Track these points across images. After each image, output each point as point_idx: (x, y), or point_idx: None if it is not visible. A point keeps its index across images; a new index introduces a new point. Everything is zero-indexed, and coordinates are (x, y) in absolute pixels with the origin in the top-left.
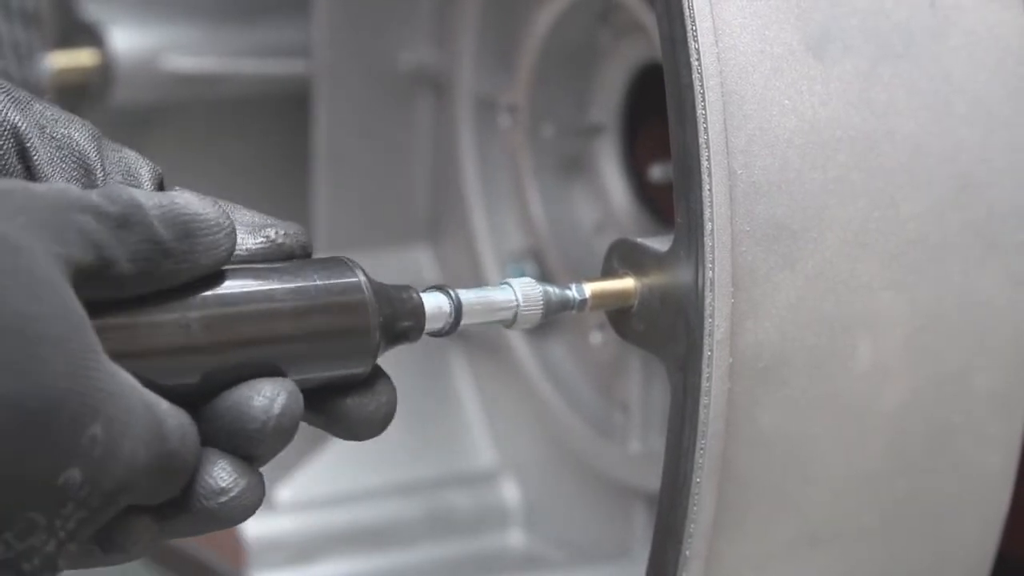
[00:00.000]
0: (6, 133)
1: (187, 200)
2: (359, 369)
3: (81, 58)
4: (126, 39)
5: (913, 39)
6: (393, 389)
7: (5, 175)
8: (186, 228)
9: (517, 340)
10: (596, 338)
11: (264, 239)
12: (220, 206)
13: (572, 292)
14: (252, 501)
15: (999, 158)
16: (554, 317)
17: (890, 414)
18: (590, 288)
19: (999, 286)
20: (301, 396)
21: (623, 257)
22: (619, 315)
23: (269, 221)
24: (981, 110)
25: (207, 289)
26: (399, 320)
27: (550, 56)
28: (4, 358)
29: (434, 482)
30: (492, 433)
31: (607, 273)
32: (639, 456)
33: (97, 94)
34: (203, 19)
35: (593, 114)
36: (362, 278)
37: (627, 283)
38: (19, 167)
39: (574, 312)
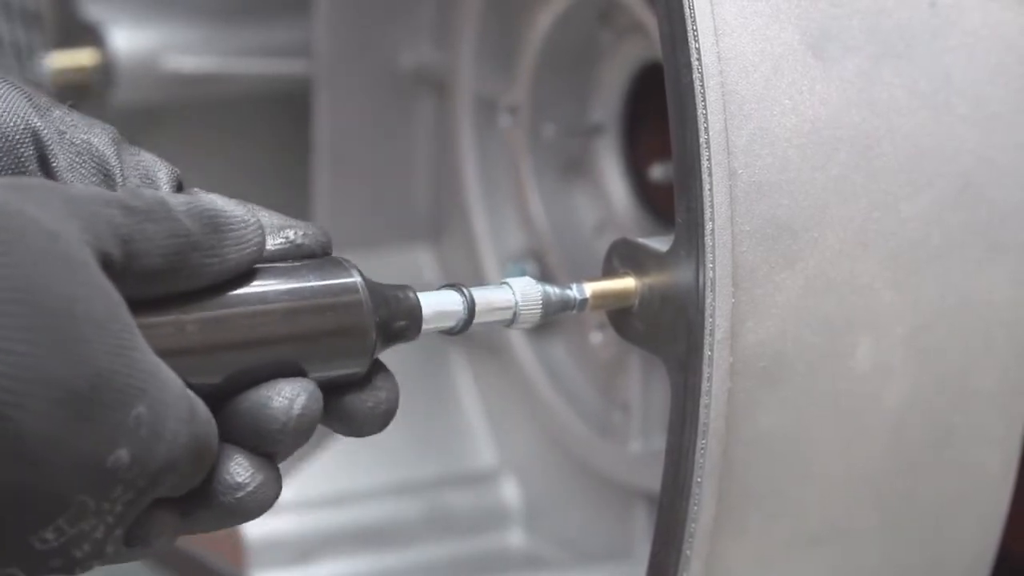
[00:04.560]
0: (27, 139)
1: (211, 198)
2: (356, 369)
3: (81, 58)
4: (127, 39)
5: (913, 39)
6: (394, 386)
7: None
8: (213, 223)
9: (517, 340)
10: (596, 338)
11: (284, 240)
12: (245, 205)
13: (573, 292)
14: (268, 496)
15: (1000, 158)
16: (555, 317)
17: (890, 414)
18: (590, 288)
19: (999, 286)
20: (320, 396)
21: (623, 257)
22: (620, 315)
23: (289, 222)
24: (981, 110)
25: (224, 290)
26: (395, 319)
27: (551, 56)
28: (50, 339)
29: (434, 482)
30: (492, 433)
31: (608, 273)
32: (639, 456)
33: (98, 94)
34: (204, 19)
35: (593, 114)
36: (357, 278)
37: (628, 283)
38: (39, 173)
39: (575, 312)
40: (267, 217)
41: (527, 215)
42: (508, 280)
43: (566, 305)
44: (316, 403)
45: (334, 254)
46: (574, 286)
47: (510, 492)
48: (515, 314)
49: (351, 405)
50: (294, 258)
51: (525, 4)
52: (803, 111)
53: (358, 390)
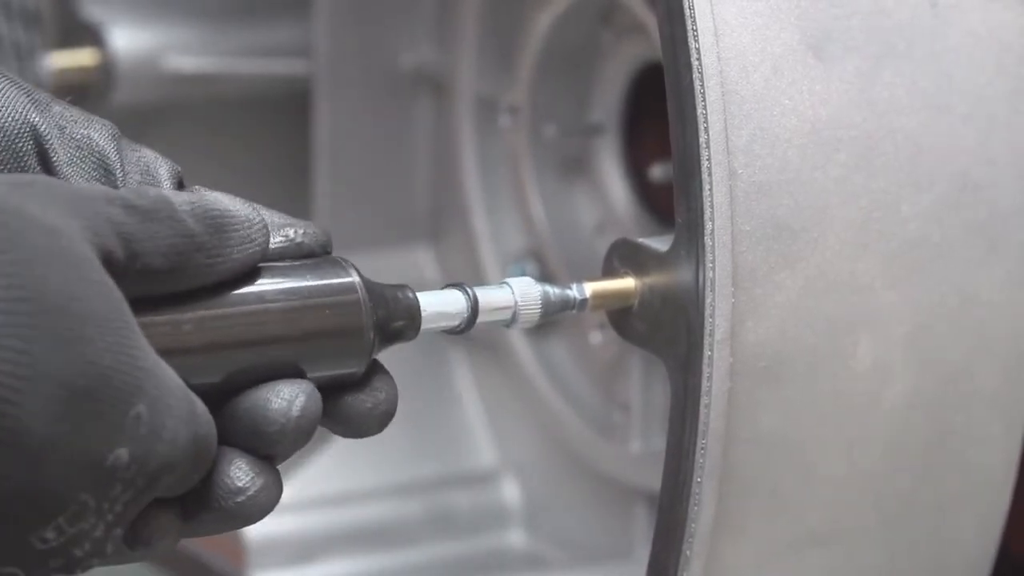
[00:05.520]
0: (26, 134)
1: (216, 197)
2: (354, 369)
3: (82, 58)
4: (127, 39)
5: (914, 39)
6: (393, 387)
7: None
8: (217, 223)
9: (517, 340)
10: (596, 338)
11: (284, 238)
12: (249, 203)
13: (573, 292)
14: (269, 499)
15: (999, 158)
16: (555, 317)
17: (891, 414)
18: (591, 288)
19: (1000, 286)
20: (319, 397)
21: (624, 257)
22: (620, 315)
23: (288, 220)
24: (982, 110)
25: (223, 289)
26: (394, 319)
27: (551, 56)
28: (52, 336)
29: (434, 482)
30: (492, 433)
31: (608, 273)
32: (640, 456)
33: (98, 94)
34: (204, 19)
35: (594, 114)
36: (355, 278)
37: (628, 283)
38: (39, 168)
39: (575, 312)
40: (268, 215)
41: (527, 215)
42: (508, 280)
43: (566, 305)
44: (315, 404)
45: (333, 254)
46: (574, 286)
47: (510, 492)
48: (514, 314)
49: (349, 406)
50: (294, 257)
51: (525, 4)
52: (803, 111)
53: (356, 391)
